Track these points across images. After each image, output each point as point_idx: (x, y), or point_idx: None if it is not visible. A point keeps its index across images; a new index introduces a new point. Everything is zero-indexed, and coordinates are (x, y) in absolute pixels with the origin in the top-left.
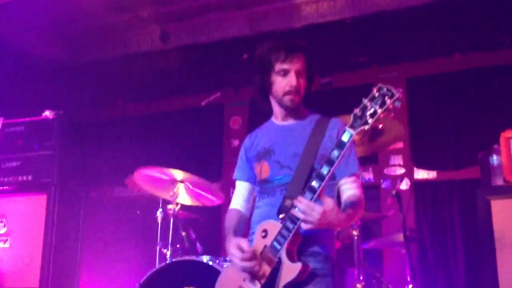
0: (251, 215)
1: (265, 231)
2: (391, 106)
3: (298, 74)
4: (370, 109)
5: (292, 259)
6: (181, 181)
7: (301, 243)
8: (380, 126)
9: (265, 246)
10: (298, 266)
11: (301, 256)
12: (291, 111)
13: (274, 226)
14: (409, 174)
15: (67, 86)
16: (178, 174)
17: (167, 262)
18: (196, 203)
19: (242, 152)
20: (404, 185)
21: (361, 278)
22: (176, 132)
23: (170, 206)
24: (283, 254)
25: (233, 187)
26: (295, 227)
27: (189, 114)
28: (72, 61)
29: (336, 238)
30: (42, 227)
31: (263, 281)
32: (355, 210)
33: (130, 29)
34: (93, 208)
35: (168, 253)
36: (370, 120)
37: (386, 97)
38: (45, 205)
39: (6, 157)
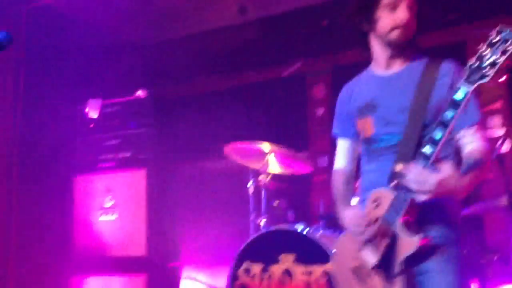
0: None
1: (376, 200)
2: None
3: (410, 9)
4: (489, 59)
5: (410, 231)
6: (270, 153)
7: (420, 210)
8: (503, 78)
9: (378, 218)
10: (416, 239)
11: (421, 225)
12: (397, 53)
13: (386, 196)
14: (510, 134)
15: (155, 64)
16: (266, 146)
17: (262, 231)
18: (285, 172)
19: (339, 106)
20: (506, 147)
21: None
22: (261, 103)
23: (261, 177)
24: (399, 227)
25: (321, 155)
26: (409, 197)
27: (271, 85)
28: (156, 38)
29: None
30: (144, 200)
31: (380, 254)
32: (480, 169)
33: (208, 5)
34: (187, 181)
35: (262, 223)
36: (490, 72)
37: (510, 41)
38: (145, 180)
39: (106, 136)
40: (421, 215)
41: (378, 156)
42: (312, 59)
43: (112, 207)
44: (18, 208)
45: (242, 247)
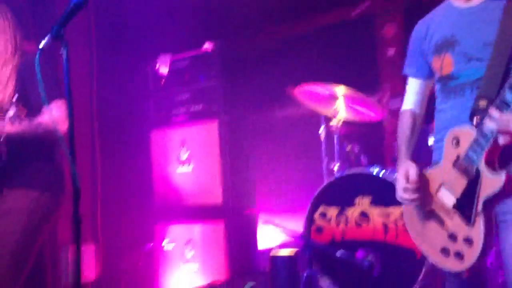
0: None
1: (456, 138)
2: None
3: None
4: None
5: (493, 169)
6: (341, 96)
7: (502, 151)
8: None
9: (458, 156)
10: (501, 177)
11: (506, 164)
12: None
13: (467, 133)
14: None
15: (222, 16)
16: (339, 89)
17: (337, 175)
18: (357, 117)
19: (413, 44)
20: None
21: None
22: (330, 48)
23: (332, 122)
24: (482, 165)
25: (393, 97)
26: (493, 135)
27: (340, 28)
28: None
29: None
30: (218, 150)
31: (459, 194)
32: None
33: None
34: (260, 129)
35: (336, 168)
36: None
37: None
38: (217, 131)
39: (177, 90)
40: (502, 156)
41: (457, 93)
42: None
43: (187, 159)
44: (101, 163)
45: (317, 191)
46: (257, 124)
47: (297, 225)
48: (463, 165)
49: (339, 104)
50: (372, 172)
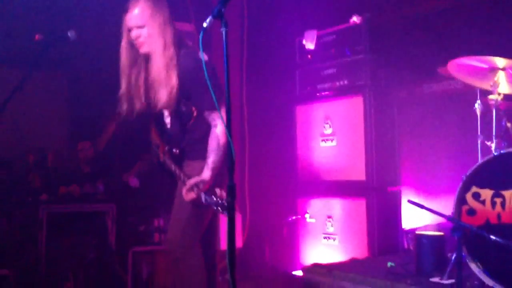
0: None
1: None
2: None
3: None
4: None
5: None
6: (503, 69)
7: None
8: None
9: None
10: None
11: None
12: None
13: None
14: None
15: None
16: (499, 61)
17: (493, 155)
18: None
19: None
20: None
21: None
22: (486, 17)
23: (491, 97)
24: None
25: None
26: None
27: None
28: None
29: None
30: (362, 126)
31: None
32: None
33: None
34: (405, 106)
35: (493, 145)
36: None
37: None
38: (362, 106)
39: (323, 65)
40: None
41: None
42: None
43: (331, 134)
44: (249, 138)
45: (470, 170)
46: (406, 99)
47: (444, 205)
48: None
49: (500, 77)
50: None
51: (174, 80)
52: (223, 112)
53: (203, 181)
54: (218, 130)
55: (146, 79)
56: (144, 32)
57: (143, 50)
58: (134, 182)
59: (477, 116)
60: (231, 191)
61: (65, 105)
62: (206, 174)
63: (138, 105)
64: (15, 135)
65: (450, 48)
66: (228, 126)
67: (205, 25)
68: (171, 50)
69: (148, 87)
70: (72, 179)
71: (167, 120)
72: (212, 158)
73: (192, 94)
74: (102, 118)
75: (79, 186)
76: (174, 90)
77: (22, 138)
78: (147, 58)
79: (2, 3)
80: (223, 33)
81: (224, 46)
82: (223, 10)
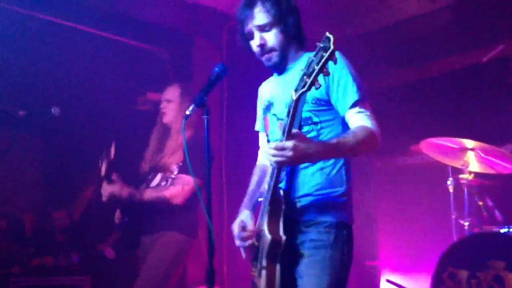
0: None
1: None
2: (325, 63)
3: None
4: (310, 68)
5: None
6: (472, 149)
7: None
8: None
9: None
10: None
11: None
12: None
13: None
14: None
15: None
16: (468, 142)
17: (467, 235)
18: (489, 171)
19: None
20: None
21: None
22: (455, 94)
23: (462, 176)
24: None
25: None
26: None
27: (467, 73)
28: (341, 34)
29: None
30: None
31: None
32: (351, 139)
33: None
34: (382, 177)
35: (466, 224)
36: (308, 81)
37: (322, 51)
38: None
39: None
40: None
41: None
42: None
43: None
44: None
45: (446, 250)
46: (381, 171)
47: (421, 284)
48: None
49: (470, 157)
50: (508, 233)
51: None
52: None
53: None
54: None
55: None
56: None
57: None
58: (110, 253)
59: (449, 193)
60: (210, 274)
61: (41, 168)
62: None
63: None
64: None
65: (421, 124)
66: (209, 209)
67: (188, 112)
68: None
69: None
70: (47, 249)
71: None
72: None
73: None
74: (78, 184)
75: (53, 257)
76: None
77: None
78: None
79: None
80: (205, 120)
81: (206, 133)
82: (205, 98)
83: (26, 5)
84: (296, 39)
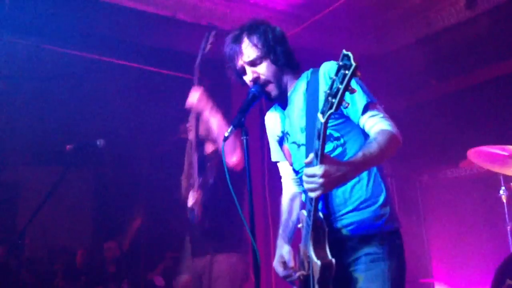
0: None
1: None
2: (349, 80)
3: None
4: (334, 87)
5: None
6: None
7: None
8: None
9: None
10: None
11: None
12: None
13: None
14: None
15: (378, 76)
16: None
17: None
18: None
19: None
20: None
21: None
22: (497, 102)
23: None
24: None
25: None
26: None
27: (507, 80)
28: (379, 49)
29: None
30: None
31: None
32: (376, 147)
33: (432, 6)
34: (429, 192)
35: None
36: (335, 101)
37: (343, 69)
38: None
39: None
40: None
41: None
42: None
43: None
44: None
45: (502, 262)
46: (427, 186)
47: None
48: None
49: None
50: None
51: None
52: None
53: None
54: None
55: None
56: None
57: None
58: (159, 281)
59: (503, 202)
60: None
61: (90, 201)
62: None
63: None
64: (44, 234)
65: (470, 132)
66: (253, 235)
67: (226, 134)
68: None
69: None
70: (98, 280)
71: None
72: None
73: None
74: (126, 215)
75: (104, 287)
76: None
77: (49, 238)
78: None
79: (41, 117)
80: (244, 141)
81: (246, 153)
82: (243, 119)
83: (68, 45)
84: (288, 66)
